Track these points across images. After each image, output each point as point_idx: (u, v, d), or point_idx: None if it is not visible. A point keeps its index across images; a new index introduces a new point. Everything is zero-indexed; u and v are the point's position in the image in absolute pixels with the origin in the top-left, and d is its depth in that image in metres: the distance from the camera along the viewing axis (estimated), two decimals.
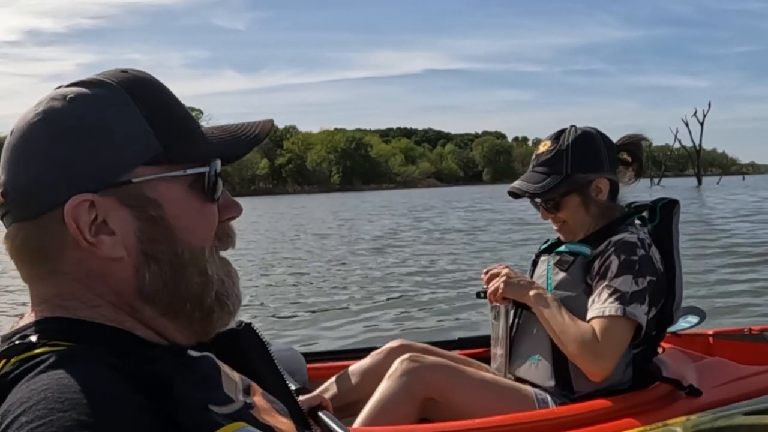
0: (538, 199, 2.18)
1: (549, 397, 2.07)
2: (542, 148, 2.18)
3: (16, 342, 0.72)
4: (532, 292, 2.09)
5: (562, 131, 2.18)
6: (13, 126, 0.80)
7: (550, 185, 2.12)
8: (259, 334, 1.03)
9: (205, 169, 0.81)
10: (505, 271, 2.19)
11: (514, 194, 2.19)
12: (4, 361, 0.71)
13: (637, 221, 2.19)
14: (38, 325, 0.76)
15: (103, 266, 0.77)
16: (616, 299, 1.97)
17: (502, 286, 2.15)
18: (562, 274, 2.13)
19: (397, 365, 2.05)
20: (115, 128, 0.77)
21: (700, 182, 56.69)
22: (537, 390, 2.09)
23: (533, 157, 2.22)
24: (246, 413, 0.81)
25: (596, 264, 2.05)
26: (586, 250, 2.10)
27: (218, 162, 0.83)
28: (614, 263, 2.01)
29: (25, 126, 0.78)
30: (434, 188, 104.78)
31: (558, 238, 2.28)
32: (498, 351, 2.24)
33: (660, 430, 1.74)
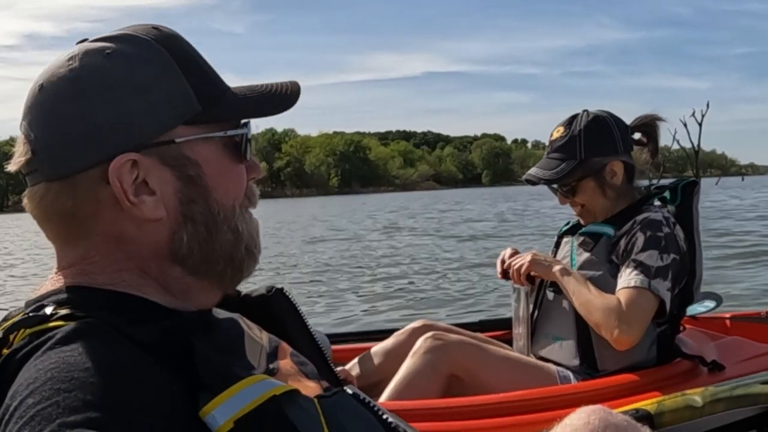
0: (554, 185, 2.21)
1: (571, 375, 2.09)
2: (555, 135, 2.21)
3: (30, 314, 0.71)
4: (557, 267, 2.12)
5: (575, 116, 2.21)
6: (40, 80, 0.77)
7: (564, 171, 2.15)
8: (291, 297, 1.02)
9: (243, 131, 0.82)
10: (529, 252, 2.22)
11: (531, 181, 2.22)
12: (20, 332, 0.69)
13: (657, 202, 2.22)
14: (58, 294, 0.75)
15: (138, 227, 0.76)
16: (641, 272, 1.99)
17: (527, 263, 2.17)
18: (586, 254, 2.15)
19: (420, 343, 2.07)
20: (158, 87, 0.76)
21: (698, 183, 56.50)
22: (559, 368, 2.11)
23: (548, 143, 2.25)
24: None
25: (622, 243, 2.08)
26: (609, 230, 2.13)
27: (251, 123, 0.84)
28: (640, 239, 2.04)
29: (57, 81, 0.75)
30: (433, 191, 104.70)
31: (578, 220, 2.31)
32: (520, 331, 2.27)
33: (680, 398, 1.77)
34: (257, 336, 0.88)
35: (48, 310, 0.70)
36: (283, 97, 0.84)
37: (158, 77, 0.76)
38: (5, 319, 0.75)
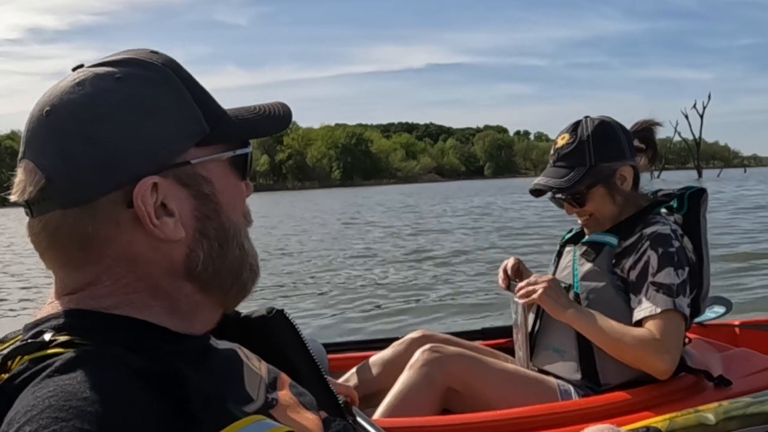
0: (560, 195, 2.12)
1: (572, 389, 2.03)
2: (561, 142, 2.12)
3: (29, 340, 0.70)
4: (570, 311, 2.00)
5: (578, 123, 2.13)
6: (44, 105, 0.76)
7: (575, 178, 2.06)
8: (292, 320, 1.01)
9: (248, 149, 0.85)
10: (546, 281, 2.06)
11: (538, 191, 2.14)
12: (18, 358, 0.69)
13: (663, 210, 2.16)
14: (58, 318, 0.75)
15: (155, 248, 0.77)
16: (664, 294, 1.93)
17: (537, 295, 2.04)
18: (588, 265, 2.09)
19: (418, 356, 2.02)
20: (172, 109, 0.78)
21: (700, 175, 56.65)
22: (560, 381, 2.06)
23: (551, 152, 2.16)
24: (266, 413, 0.79)
25: (630, 258, 2.01)
26: (613, 240, 2.07)
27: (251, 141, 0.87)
28: (653, 258, 1.97)
29: (70, 106, 0.75)
30: (435, 183, 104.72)
31: (582, 228, 2.25)
32: (520, 341, 2.22)
33: (692, 416, 1.72)
34: (256, 366, 0.88)
35: (47, 336, 0.70)
36: (279, 118, 0.87)
37: (171, 100, 0.78)
38: (1, 342, 0.76)
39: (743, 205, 16.94)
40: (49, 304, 0.78)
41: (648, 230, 2.02)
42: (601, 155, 2.08)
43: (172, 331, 0.79)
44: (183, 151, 0.78)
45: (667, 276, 1.94)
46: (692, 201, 2.14)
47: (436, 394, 1.99)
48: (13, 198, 0.77)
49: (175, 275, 0.79)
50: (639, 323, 1.95)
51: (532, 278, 2.10)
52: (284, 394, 0.86)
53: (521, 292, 2.09)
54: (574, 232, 2.28)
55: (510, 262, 2.28)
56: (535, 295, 2.04)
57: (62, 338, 0.70)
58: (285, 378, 0.90)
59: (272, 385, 0.87)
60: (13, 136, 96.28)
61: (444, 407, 2.02)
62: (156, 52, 0.82)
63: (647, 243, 1.99)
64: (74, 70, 0.80)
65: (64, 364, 0.66)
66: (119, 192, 0.74)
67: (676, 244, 2.00)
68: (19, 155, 0.78)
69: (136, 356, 0.70)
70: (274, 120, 0.87)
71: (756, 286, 6.43)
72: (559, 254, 2.27)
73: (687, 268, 1.98)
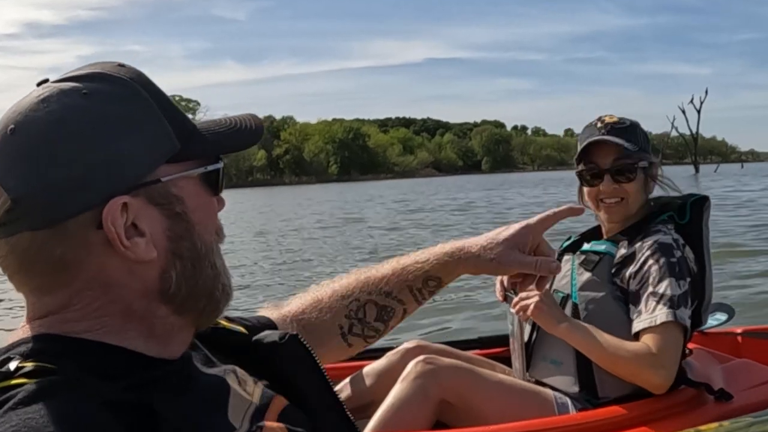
0: (623, 160, 2.03)
1: (569, 402, 2.00)
2: (610, 120, 2.08)
3: None
4: (563, 325, 1.95)
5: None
6: (8, 123, 0.72)
7: (636, 148, 2.03)
8: (306, 345, 0.95)
9: (219, 165, 0.82)
10: (537, 295, 1.97)
11: (603, 142, 2.03)
12: None
13: (664, 218, 2.11)
14: (27, 344, 0.72)
15: (127, 270, 0.74)
16: (664, 305, 1.89)
17: (530, 311, 1.99)
18: (587, 275, 2.05)
19: (411, 367, 1.98)
20: (141, 126, 0.75)
21: (697, 170, 56.58)
22: (557, 394, 2.02)
23: (599, 124, 2.08)
24: None
25: (630, 268, 1.98)
26: (611, 248, 2.03)
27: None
28: (654, 268, 1.93)
29: (35, 124, 0.71)
30: (433, 178, 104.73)
31: (580, 236, 2.20)
32: (516, 351, 2.18)
33: None
34: (248, 392, 0.84)
35: (12, 366, 0.68)
36: (251, 131, 0.84)
37: (140, 116, 0.75)
38: None
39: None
40: (21, 329, 0.76)
41: (649, 240, 1.98)
42: (645, 143, 2.09)
43: (147, 356, 0.76)
44: (153, 168, 0.75)
45: (668, 287, 1.90)
46: (694, 209, 2.09)
47: (430, 406, 1.95)
48: None
49: (148, 297, 0.76)
50: (637, 335, 1.91)
51: (523, 293, 2.05)
52: (272, 423, 0.82)
53: (516, 307, 2.05)
54: (572, 239, 2.23)
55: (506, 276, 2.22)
56: (528, 311, 2.00)
57: (29, 366, 0.67)
58: (279, 404, 0.86)
59: (262, 411, 0.83)
60: None
61: (437, 420, 1.98)
62: (123, 65, 0.79)
63: (648, 253, 1.96)
64: (39, 85, 0.76)
65: (27, 396, 0.63)
66: (88, 213, 0.72)
67: (678, 254, 1.96)
68: None
69: (107, 385, 0.68)
70: (245, 134, 0.84)
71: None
72: None
73: (688, 279, 1.95)
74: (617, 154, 2.04)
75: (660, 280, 1.91)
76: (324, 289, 1.19)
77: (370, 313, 1.16)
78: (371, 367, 2.20)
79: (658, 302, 1.89)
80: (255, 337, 0.93)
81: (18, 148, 0.71)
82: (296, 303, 1.18)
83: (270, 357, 0.91)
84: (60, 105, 0.72)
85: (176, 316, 0.79)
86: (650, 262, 1.94)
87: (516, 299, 2.06)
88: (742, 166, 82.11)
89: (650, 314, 1.89)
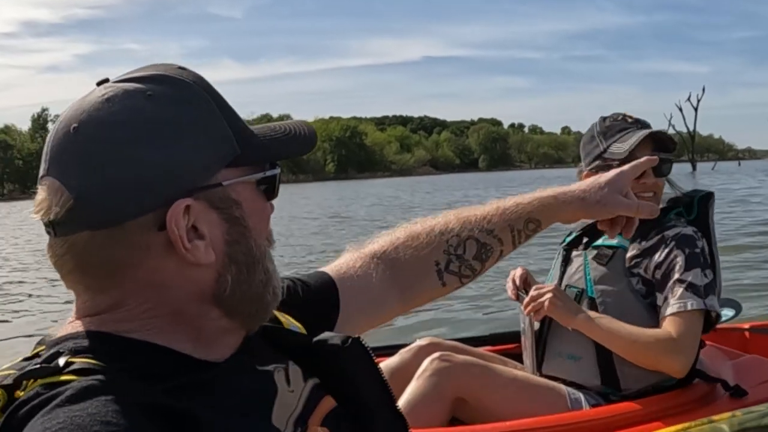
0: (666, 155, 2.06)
1: (582, 397, 2.01)
2: (633, 116, 2.12)
3: (42, 364, 0.68)
4: (581, 317, 1.99)
5: None
6: (71, 121, 0.73)
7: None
8: (368, 349, 0.93)
9: (276, 171, 0.83)
10: (550, 291, 2.04)
11: (659, 135, 2.09)
12: (31, 381, 0.67)
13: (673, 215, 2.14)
14: (76, 340, 0.72)
15: (183, 273, 0.75)
16: (694, 293, 1.93)
17: (546, 307, 2.02)
18: (602, 269, 2.07)
19: (426, 365, 1.99)
20: (205, 130, 0.76)
21: (694, 168, 56.58)
22: (570, 389, 2.04)
23: (629, 119, 2.11)
24: None
25: (655, 258, 2.00)
26: (624, 242, 2.05)
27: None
28: (680, 258, 1.97)
29: (100, 124, 0.72)
30: (430, 176, 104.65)
31: (581, 231, 2.21)
32: (528, 348, 2.19)
33: (706, 426, 1.69)
34: (294, 392, 0.84)
35: (61, 361, 0.68)
36: (305, 139, 0.86)
37: (203, 120, 0.76)
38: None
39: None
40: (70, 323, 0.76)
41: (670, 232, 2.02)
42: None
43: (194, 358, 0.76)
44: (214, 172, 0.76)
45: (696, 277, 1.95)
46: (701, 205, 2.12)
47: (445, 403, 1.97)
48: (35, 217, 0.74)
49: (201, 300, 0.77)
50: (663, 320, 1.94)
51: (534, 291, 2.08)
52: (315, 428, 0.83)
53: (528, 308, 2.07)
54: (574, 235, 2.25)
55: (518, 272, 2.25)
56: (543, 309, 2.02)
57: (78, 363, 0.68)
58: (326, 407, 0.86)
59: (308, 412, 0.83)
60: (6, 130, 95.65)
61: (452, 417, 2.00)
62: (184, 69, 0.79)
63: (672, 243, 1.99)
64: (99, 84, 0.77)
65: (75, 394, 0.64)
66: (150, 215, 0.72)
67: (700, 244, 2.01)
68: (41, 172, 0.75)
69: (153, 386, 0.68)
70: (300, 141, 0.85)
71: None
72: (566, 259, 2.23)
73: (712, 269, 1.99)
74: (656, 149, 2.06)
75: (686, 269, 1.95)
76: (420, 225, 1.17)
77: (470, 249, 1.15)
78: (385, 364, 2.20)
79: (686, 290, 1.93)
80: (315, 339, 0.91)
81: (82, 147, 0.72)
82: (385, 240, 1.17)
83: (329, 358, 0.89)
84: (124, 106, 0.73)
85: (227, 319, 0.79)
86: (676, 251, 1.98)
87: (527, 299, 2.08)
88: (740, 164, 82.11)
89: (678, 299, 1.93)
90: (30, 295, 8.19)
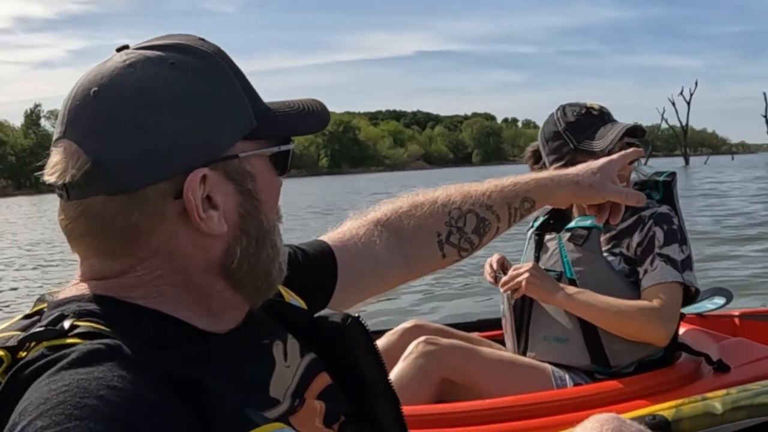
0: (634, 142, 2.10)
1: (567, 376, 2.02)
2: (599, 106, 2.13)
3: (48, 327, 0.68)
4: (560, 294, 2.00)
5: None
6: (91, 85, 0.72)
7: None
8: (367, 328, 0.93)
9: (290, 146, 0.83)
10: (527, 270, 2.05)
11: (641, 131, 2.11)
12: (33, 343, 0.67)
13: None
14: (79, 303, 0.72)
15: (195, 242, 0.75)
16: (672, 267, 1.97)
17: (523, 286, 2.03)
18: (578, 250, 2.07)
19: (413, 347, 2.00)
20: (224, 101, 0.76)
21: (687, 162, 56.73)
22: (555, 368, 2.04)
23: (594, 110, 2.12)
24: (285, 420, 0.77)
25: (636, 236, 2.03)
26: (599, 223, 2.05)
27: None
28: (659, 233, 2.01)
29: (122, 89, 0.72)
30: (423, 171, 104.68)
31: (548, 214, 2.22)
32: (508, 332, 2.20)
33: (699, 404, 1.70)
34: (293, 365, 0.84)
35: (66, 324, 0.67)
36: (318, 116, 0.86)
37: (224, 91, 0.76)
38: (27, 317, 0.75)
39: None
40: (74, 285, 0.76)
41: (647, 212, 2.04)
42: None
43: (198, 328, 0.77)
44: (232, 144, 0.76)
45: (674, 251, 1.99)
46: (666, 186, 2.15)
47: (432, 385, 1.98)
48: (48, 179, 0.73)
49: (209, 271, 0.77)
50: (644, 292, 1.98)
51: (512, 271, 2.08)
52: (311, 401, 0.83)
53: (506, 286, 2.09)
54: (541, 219, 2.25)
55: (495, 258, 2.25)
56: (522, 288, 2.04)
57: (83, 326, 0.67)
58: (322, 382, 0.87)
59: (304, 386, 0.84)
60: None
61: (439, 398, 2.00)
62: (204, 40, 0.80)
63: (651, 222, 2.03)
64: (119, 50, 0.76)
65: (81, 356, 0.63)
66: (168, 182, 0.72)
67: (676, 221, 2.05)
68: (56, 135, 0.74)
69: (158, 354, 0.68)
70: (314, 117, 0.85)
71: None
72: (539, 244, 2.21)
73: (687, 245, 2.03)
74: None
75: (665, 244, 1.99)
76: (423, 196, 1.20)
77: (470, 223, 1.18)
78: None
79: (666, 263, 1.97)
80: (316, 315, 0.92)
81: (102, 111, 0.71)
82: (388, 207, 1.19)
83: (329, 336, 0.90)
84: (147, 72, 0.73)
85: (232, 292, 0.79)
86: (655, 228, 2.01)
87: (505, 278, 2.09)
88: (733, 158, 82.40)
89: (657, 272, 1.97)
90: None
